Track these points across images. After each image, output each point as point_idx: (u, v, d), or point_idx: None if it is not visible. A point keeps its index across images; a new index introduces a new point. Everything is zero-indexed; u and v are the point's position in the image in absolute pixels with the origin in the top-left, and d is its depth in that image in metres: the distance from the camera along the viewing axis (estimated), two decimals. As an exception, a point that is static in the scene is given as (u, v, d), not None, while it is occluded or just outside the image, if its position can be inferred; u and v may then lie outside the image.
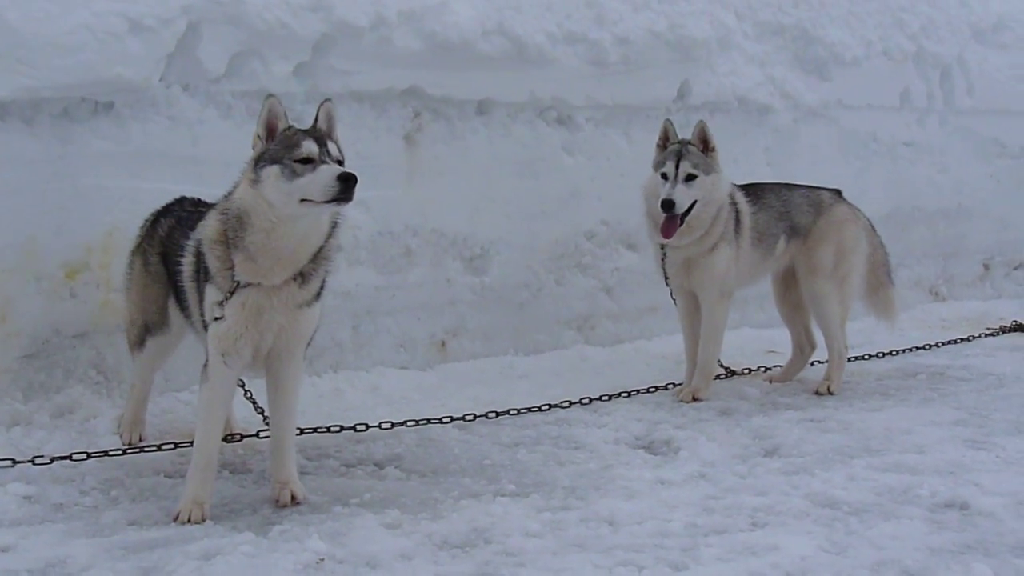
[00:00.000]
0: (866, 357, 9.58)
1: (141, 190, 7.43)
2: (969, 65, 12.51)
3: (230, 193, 5.81)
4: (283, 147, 5.60)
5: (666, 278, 8.39)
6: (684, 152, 8.06)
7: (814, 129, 11.29)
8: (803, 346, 8.96)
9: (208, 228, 5.81)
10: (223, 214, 5.76)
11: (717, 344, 8.37)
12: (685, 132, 10.16)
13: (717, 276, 8.22)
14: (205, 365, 5.86)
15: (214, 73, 7.90)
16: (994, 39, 12.87)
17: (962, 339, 10.44)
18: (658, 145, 8.28)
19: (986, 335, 10.69)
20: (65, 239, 7.33)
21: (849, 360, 9.07)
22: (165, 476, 6.31)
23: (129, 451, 6.58)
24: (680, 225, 8.02)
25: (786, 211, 8.54)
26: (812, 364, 9.03)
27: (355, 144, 8.33)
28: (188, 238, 6.06)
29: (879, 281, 9.01)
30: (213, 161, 7.67)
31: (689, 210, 8.01)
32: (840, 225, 8.70)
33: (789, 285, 8.82)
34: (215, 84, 7.94)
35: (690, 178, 8.00)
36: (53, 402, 7.20)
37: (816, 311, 8.70)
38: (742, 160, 10.50)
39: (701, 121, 8.18)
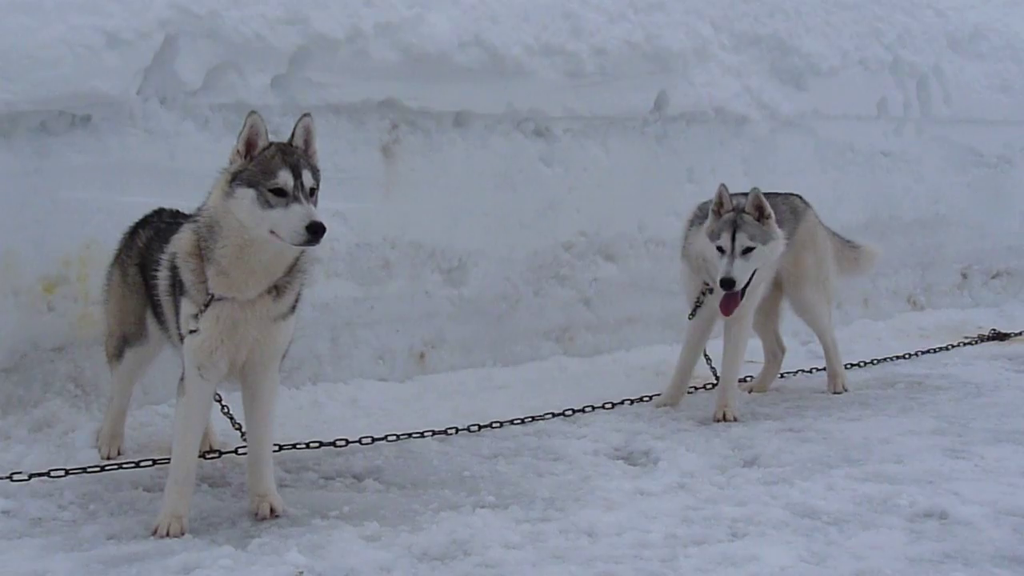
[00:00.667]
0: (845, 367, 9.59)
1: (119, 203, 7.41)
2: (946, 74, 12.55)
3: (203, 204, 5.81)
4: (260, 171, 5.59)
5: (697, 305, 8.32)
6: (739, 223, 7.84)
7: (791, 139, 11.32)
8: (775, 352, 8.99)
9: (182, 241, 5.81)
10: (196, 226, 5.76)
11: (741, 360, 8.29)
12: (663, 144, 10.25)
13: (754, 304, 8.22)
14: (182, 379, 5.86)
15: (191, 86, 7.89)
16: (970, 48, 12.93)
17: (940, 348, 10.47)
18: (713, 211, 8.01)
19: (964, 344, 10.73)
20: (43, 252, 7.32)
21: (821, 370, 9.13)
22: (144, 490, 6.28)
23: (108, 467, 6.54)
24: (741, 299, 7.91)
25: (780, 221, 8.55)
26: (811, 371, 9.10)
27: (332, 156, 8.36)
28: (164, 250, 6.05)
29: (842, 253, 9.13)
30: (191, 174, 7.63)
31: (749, 280, 7.90)
32: (814, 230, 8.80)
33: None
34: (192, 97, 7.93)
35: (747, 251, 7.83)
36: (31, 416, 7.19)
37: (808, 318, 8.84)
38: (720, 171, 10.51)
39: (755, 189, 7.94)
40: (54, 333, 7.38)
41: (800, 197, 8.95)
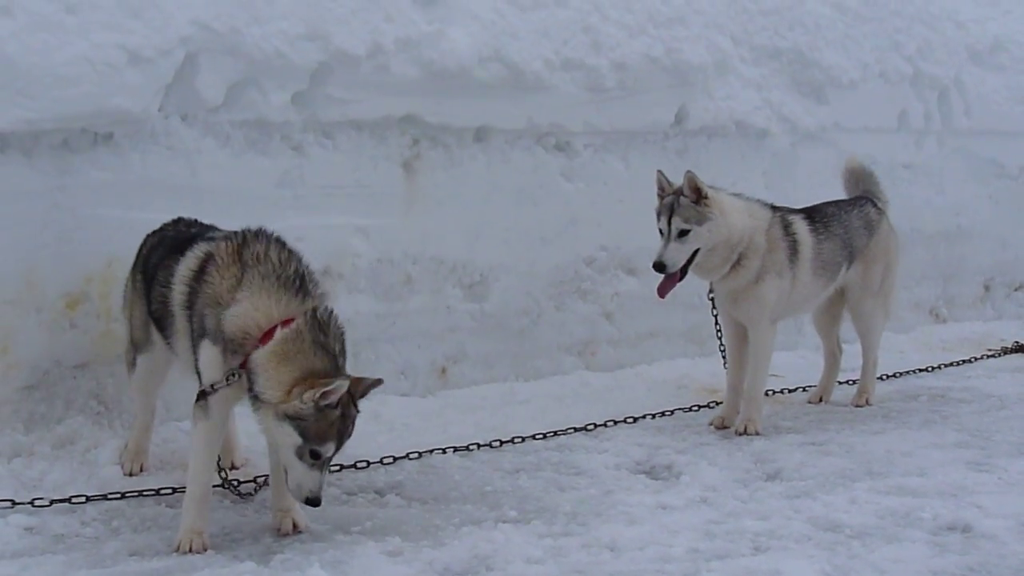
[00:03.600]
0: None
1: (140, 220, 7.40)
2: (966, 87, 12.53)
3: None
4: None
5: (712, 308, 8.41)
6: (676, 206, 7.83)
7: (812, 152, 11.30)
8: (835, 354, 9.03)
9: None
10: None
11: (765, 372, 8.19)
12: (684, 158, 10.24)
13: (765, 307, 8.07)
14: (198, 397, 5.83)
15: (212, 103, 7.91)
16: (991, 60, 12.90)
17: (963, 361, 10.43)
18: (658, 195, 8.04)
19: (987, 356, 10.69)
20: (65, 270, 7.34)
21: (848, 383, 9.11)
22: (166, 506, 6.30)
23: (128, 494, 6.43)
24: (680, 280, 7.92)
25: (848, 237, 8.52)
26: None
27: (354, 172, 8.40)
28: (171, 260, 6.11)
29: None
30: (212, 191, 7.70)
31: (691, 261, 7.89)
32: (886, 242, 8.84)
33: (830, 297, 8.81)
34: (213, 114, 7.95)
35: (683, 233, 7.80)
36: (54, 433, 7.18)
37: (862, 328, 8.86)
38: (741, 184, 10.43)
39: (689, 172, 7.84)
40: (76, 350, 7.40)
41: (873, 203, 8.94)
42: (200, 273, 5.87)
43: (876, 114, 11.81)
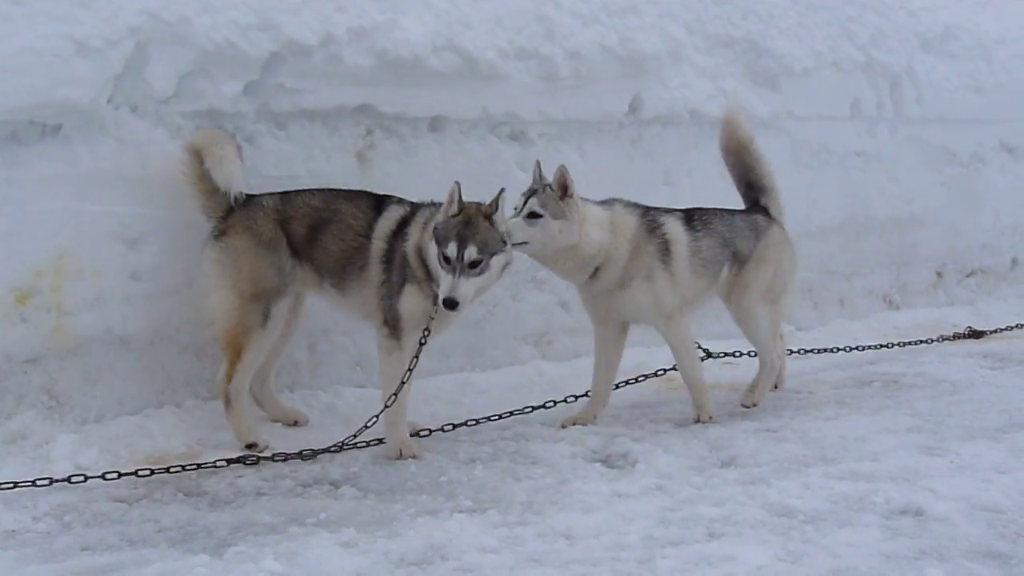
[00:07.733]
0: (816, 351, 9.81)
1: (90, 213, 7.39)
2: (918, 74, 12.59)
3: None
4: None
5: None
6: (539, 192, 7.77)
7: (766, 140, 11.21)
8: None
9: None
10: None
11: (693, 361, 8.14)
12: (639, 147, 10.26)
13: (643, 308, 7.96)
14: (389, 332, 7.33)
15: (163, 94, 7.84)
16: (942, 48, 12.96)
17: (920, 341, 10.53)
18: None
19: (943, 339, 10.79)
20: (14, 263, 7.26)
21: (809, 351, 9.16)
22: (118, 501, 6.26)
23: (73, 479, 6.41)
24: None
25: (731, 237, 8.36)
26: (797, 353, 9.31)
27: (307, 163, 8.35)
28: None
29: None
30: (163, 182, 7.62)
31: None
32: (778, 247, 8.60)
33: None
34: (164, 105, 7.88)
35: (534, 216, 7.72)
36: (5, 428, 7.12)
37: (746, 328, 8.54)
38: (696, 173, 10.54)
39: (561, 166, 7.79)
40: (27, 344, 7.32)
41: (765, 212, 8.75)
42: None
43: (829, 102, 11.84)
